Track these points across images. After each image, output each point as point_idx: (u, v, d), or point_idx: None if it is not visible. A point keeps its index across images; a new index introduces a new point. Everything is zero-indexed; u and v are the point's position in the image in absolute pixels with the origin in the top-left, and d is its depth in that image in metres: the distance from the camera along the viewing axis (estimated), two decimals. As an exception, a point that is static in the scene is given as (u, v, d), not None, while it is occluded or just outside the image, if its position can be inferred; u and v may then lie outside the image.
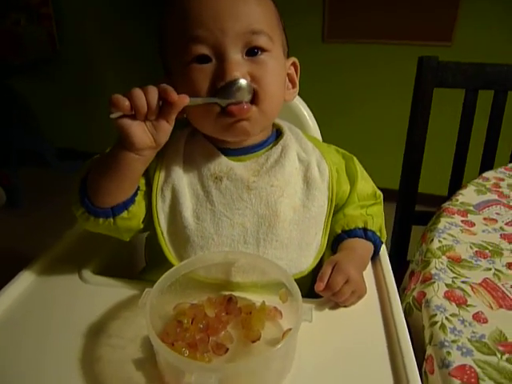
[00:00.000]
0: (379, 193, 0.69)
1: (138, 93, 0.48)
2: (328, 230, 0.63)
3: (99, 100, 2.86)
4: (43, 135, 2.87)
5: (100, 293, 0.58)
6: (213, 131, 0.59)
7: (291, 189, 0.60)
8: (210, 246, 0.57)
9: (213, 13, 0.52)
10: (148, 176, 0.60)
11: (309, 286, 0.61)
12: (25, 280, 0.61)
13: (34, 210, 2.35)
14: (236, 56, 0.53)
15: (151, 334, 0.42)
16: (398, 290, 0.70)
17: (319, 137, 0.87)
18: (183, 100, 0.49)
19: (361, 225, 0.64)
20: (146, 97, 0.48)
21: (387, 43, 2.26)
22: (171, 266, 0.55)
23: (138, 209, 0.58)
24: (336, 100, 2.45)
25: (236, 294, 0.55)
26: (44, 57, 2.72)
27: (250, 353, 0.48)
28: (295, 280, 0.50)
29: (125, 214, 0.56)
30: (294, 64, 0.65)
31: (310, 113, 0.88)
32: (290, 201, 0.60)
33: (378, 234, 0.65)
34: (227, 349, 0.47)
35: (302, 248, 0.60)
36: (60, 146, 2.87)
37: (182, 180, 0.59)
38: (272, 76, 0.56)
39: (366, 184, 0.68)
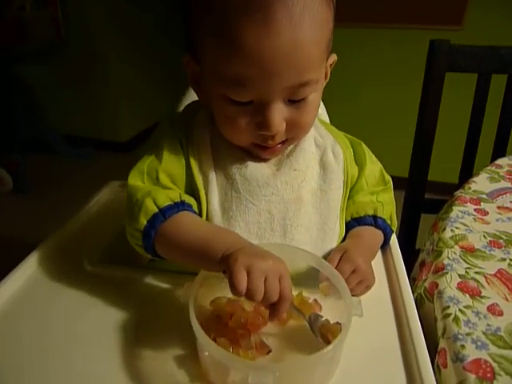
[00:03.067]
0: (388, 177, 0.67)
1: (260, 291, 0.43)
2: (344, 214, 0.63)
3: (105, 86, 2.84)
4: (49, 122, 2.86)
5: (124, 284, 0.57)
6: (235, 142, 0.57)
7: (309, 173, 0.60)
8: None
9: (268, 64, 0.47)
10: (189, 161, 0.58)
11: None
12: (27, 269, 0.60)
13: (40, 197, 2.35)
14: (279, 105, 0.51)
15: (199, 331, 0.40)
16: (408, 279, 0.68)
17: (327, 121, 0.84)
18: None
19: (370, 212, 0.63)
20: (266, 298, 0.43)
21: (396, 27, 2.20)
22: None
23: None
24: (344, 86, 2.41)
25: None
26: (50, 43, 2.68)
27: (294, 348, 0.47)
28: None
29: None
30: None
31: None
32: (309, 185, 0.60)
33: (389, 222, 0.64)
34: (270, 350, 0.46)
35: (325, 233, 0.59)
36: (66, 133, 2.86)
37: (212, 168, 0.58)
38: (310, 112, 0.55)
39: (374, 167, 0.66)
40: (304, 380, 0.42)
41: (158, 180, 0.56)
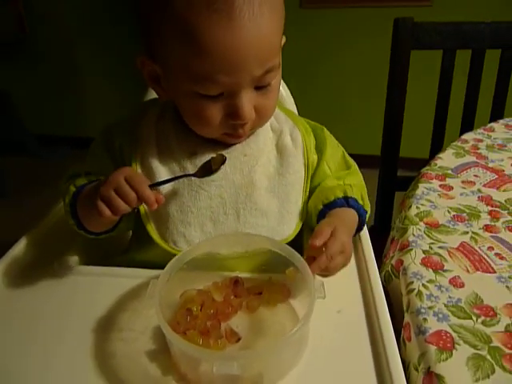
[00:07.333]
0: (351, 161, 0.68)
1: (121, 204, 0.50)
2: (306, 196, 0.63)
3: (75, 82, 2.79)
4: (21, 121, 2.79)
5: (93, 284, 0.57)
6: (206, 135, 0.60)
7: (265, 157, 0.62)
8: (189, 219, 0.58)
9: (236, 58, 0.49)
10: (125, 163, 0.61)
11: None
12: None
13: (21, 200, 2.29)
14: (248, 94, 0.53)
15: (166, 328, 0.41)
16: (381, 257, 0.70)
17: (293, 106, 0.85)
18: (160, 203, 0.51)
19: (340, 194, 0.61)
20: (127, 203, 0.50)
21: (364, 6, 2.21)
22: (155, 243, 0.58)
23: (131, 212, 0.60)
24: (314, 66, 2.41)
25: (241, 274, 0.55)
26: (13, 40, 2.61)
27: (264, 334, 0.48)
28: None
29: (121, 225, 0.60)
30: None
31: (283, 83, 0.85)
32: (264, 169, 0.61)
33: (361, 202, 0.62)
34: (240, 338, 0.47)
35: (283, 216, 0.60)
36: (39, 132, 2.81)
37: (158, 160, 0.60)
38: (274, 97, 0.57)
39: (335, 151, 0.67)
40: (273, 363, 0.43)
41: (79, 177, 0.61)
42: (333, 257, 0.51)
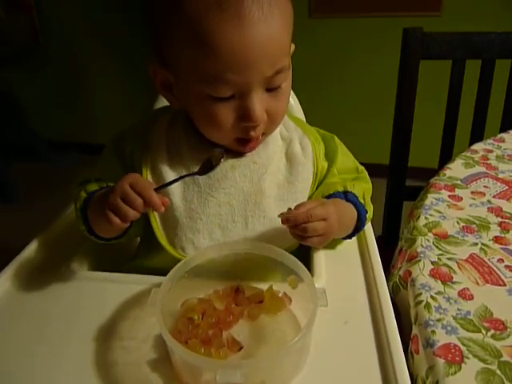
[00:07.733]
0: (362, 168, 0.68)
1: (129, 211, 0.50)
2: None
3: (86, 89, 2.82)
4: (32, 127, 2.83)
5: (99, 290, 0.57)
6: (217, 141, 0.60)
7: (274, 166, 0.62)
8: (198, 226, 0.59)
9: (246, 57, 0.49)
10: (135, 169, 0.61)
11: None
12: (7, 277, 0.59)
13: (30, 206, 2.30)
14: (259, 96, 0.53)
15: (168, 337, 0.41)
16: (389, 268, 0.69)
17: (302, 115, 0.85)
18: (166, 205, 0.51)
19: (340, 189, 0.61)
20: (135, 209, 0.50)
21: (376, 16, 2.21)
22: (164, 249, 0.59)
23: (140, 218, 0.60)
24: (323, 75, 2.41)
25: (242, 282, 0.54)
26: (27, 48, 2.65)
27: (266, 342, 0.48)
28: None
29: (131, 230, 0.60)
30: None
31: (292, 92, 0.85)
32: (274, 177, 0.61)
33: (361, 200, 0.61)
34: (242, 347, 0.46)
35: None
36: (49, 138, 2.83)
37: (168, 166, 0.61)
38: (285, 100, 0.58)
39: (345, 159, 0.67)
40: (275, 372, 0.43)
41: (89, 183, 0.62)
42: (313, 216, 0.52)
